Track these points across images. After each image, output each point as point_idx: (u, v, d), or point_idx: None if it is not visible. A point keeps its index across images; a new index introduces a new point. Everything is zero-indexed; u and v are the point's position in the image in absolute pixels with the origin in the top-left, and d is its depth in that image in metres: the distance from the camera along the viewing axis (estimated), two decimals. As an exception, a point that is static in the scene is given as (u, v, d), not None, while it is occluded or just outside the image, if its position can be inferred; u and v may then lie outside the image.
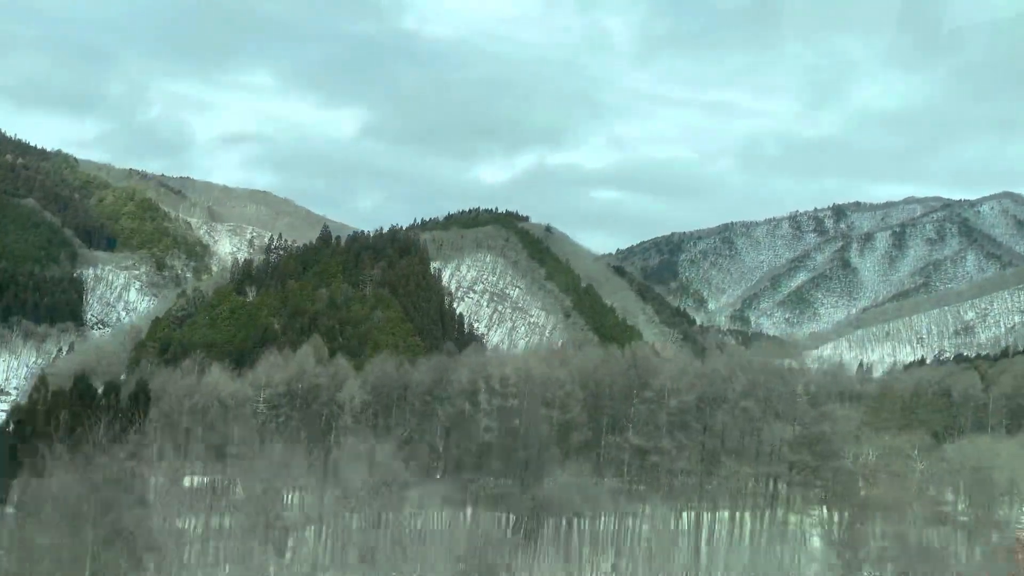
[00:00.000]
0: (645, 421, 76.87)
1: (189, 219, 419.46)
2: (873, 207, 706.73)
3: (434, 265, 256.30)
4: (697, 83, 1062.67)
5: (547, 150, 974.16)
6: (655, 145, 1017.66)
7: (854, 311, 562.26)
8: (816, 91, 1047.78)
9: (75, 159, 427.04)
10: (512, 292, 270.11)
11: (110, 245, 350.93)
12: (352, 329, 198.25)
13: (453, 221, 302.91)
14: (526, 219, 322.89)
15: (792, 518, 68.49)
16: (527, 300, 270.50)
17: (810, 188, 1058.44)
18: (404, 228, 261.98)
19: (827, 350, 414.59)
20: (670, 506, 69.00)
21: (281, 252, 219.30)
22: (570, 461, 70.46)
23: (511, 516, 68.49)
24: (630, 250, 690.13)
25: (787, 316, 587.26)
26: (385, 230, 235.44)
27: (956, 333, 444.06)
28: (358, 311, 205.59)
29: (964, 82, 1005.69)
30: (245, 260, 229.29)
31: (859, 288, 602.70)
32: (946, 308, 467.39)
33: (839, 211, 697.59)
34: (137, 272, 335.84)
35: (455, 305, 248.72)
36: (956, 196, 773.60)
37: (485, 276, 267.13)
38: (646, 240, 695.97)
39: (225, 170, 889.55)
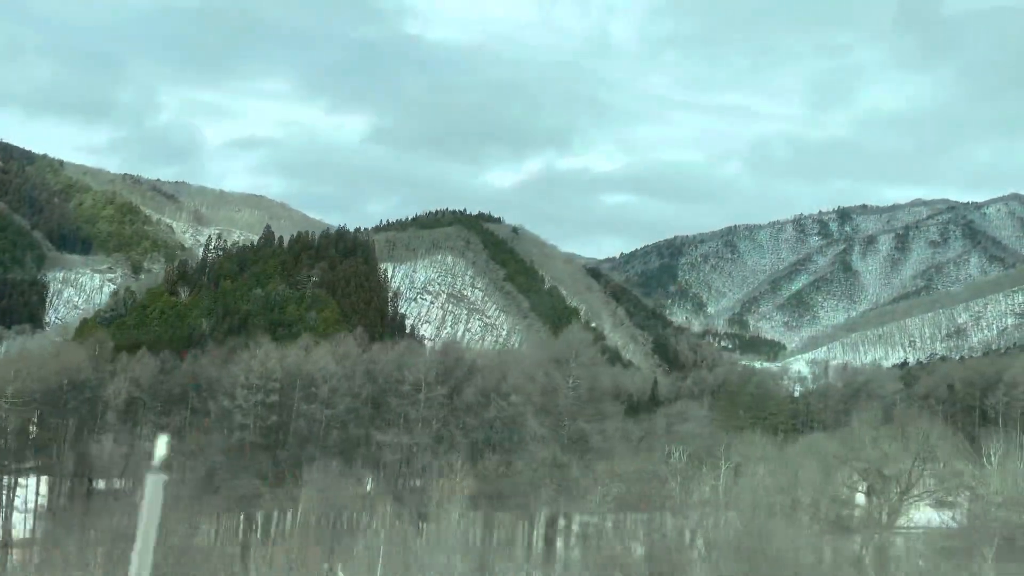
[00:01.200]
0: (402, 417, 74.58)
1: (173, 223, 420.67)
2: (879, 210, 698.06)
3: (387, 266, 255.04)
4: (702, 86, 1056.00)
5: (555, 154, 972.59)
6: (664, 148, 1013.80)
7: (854, 314, 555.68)
8: (823, 93, 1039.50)
9: (60, 163, 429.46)
10: (471, 293, 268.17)
11: (85, 248, 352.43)
12: (285, 330, 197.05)
13: (418, 223, 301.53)
14: (497, 220, 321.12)
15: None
16: (485, 301, 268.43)
17: (819, 191, 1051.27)
18: (364, 229, 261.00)
19: (820, 353, 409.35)
20: (408, 506, 66.41)
21: (219, 252, 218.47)
22: (328, 460, 68.15)
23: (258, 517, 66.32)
24: (633, 254, 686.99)
25: (785, 319, 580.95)
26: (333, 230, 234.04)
27: (948, 336, 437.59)
28: (293, 311, 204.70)
29: (971, 81, 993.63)
30: (180, 261, 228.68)
31: (860, 291, 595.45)
32: (941, 311, 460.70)
33: (844, 214, 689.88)
34: (112, 275, 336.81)
35: (405, 306, 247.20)
36: (965, 199, 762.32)
37: (442, 277, 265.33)
38: (650, 244, 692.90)
39: (236, 176, 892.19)
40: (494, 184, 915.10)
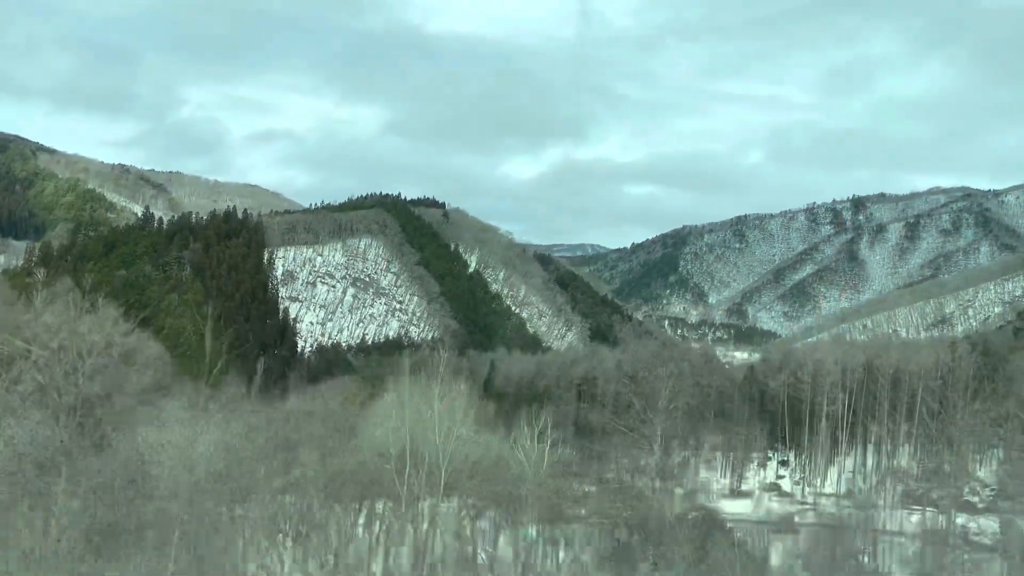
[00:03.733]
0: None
1: (139, 211, 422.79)
2: (896, 198, 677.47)
3: (289, 250, 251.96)
4: (719, 74, 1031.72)
5: (573, 145, 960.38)
6: (682, 138, 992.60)
7: (856, 304, 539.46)
8: (839, 79, 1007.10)
9: (33, 151, 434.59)
10: (382, 277, 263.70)
11: (39, 234, 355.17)
12: (143, 311, 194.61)
13: (347, 207, 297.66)
14: (430, 203, 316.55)
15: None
16: (397, 286, 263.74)
17: (840, 180, 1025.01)
18: (272, 212, 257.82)
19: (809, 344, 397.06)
20: None
21: (90, 234, 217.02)
22: None
23: None
24: (643, 244, 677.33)
25: (786, 310, 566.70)
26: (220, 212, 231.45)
27: (933, 324, 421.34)
28: (154, 293, 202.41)
29: (993, 65, 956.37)
30: (44, 242, 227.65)
31: (865, 281, 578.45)
32: (931, 300, 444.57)
33: (858, 203, 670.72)
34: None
35: (304, 290, 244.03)
36: (985, 186, 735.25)
37: (351, 261, 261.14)
38: (662, 234, 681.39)
39: (260, 170, 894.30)
40: (513, 175, 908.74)
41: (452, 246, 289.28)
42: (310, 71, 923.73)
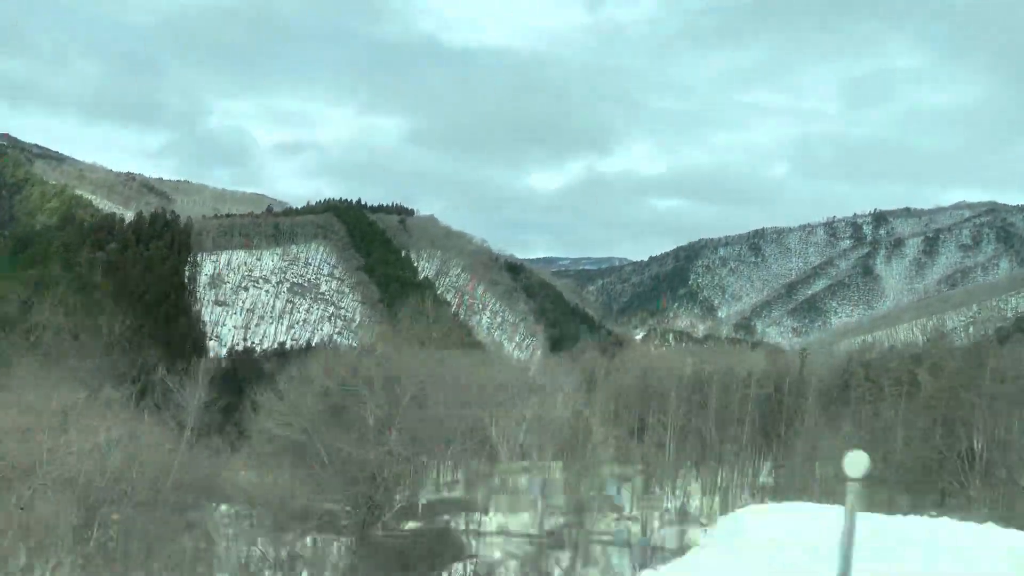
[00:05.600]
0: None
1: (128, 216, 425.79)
2: (920, 213, 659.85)
3: (223, 253, 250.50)
4: (739, 85, 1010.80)
5: (596, 157, 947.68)
6: (705, 150, 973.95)
7: (866, 320, 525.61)
8: (862, 89, 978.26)
9: (27, 157, 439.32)
10: (323, 283, 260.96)
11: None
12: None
13: (303, 211, 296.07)
14: (391, 209, 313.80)
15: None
16: (338, 292, 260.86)
17: (867, 192, 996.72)
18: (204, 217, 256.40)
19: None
20: None
21: (5, 234, 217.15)
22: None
23: None
24: (658, 257, 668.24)
25: (795, 325, 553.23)
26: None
27: (927, 342, 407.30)
28: (62, 295, 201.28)
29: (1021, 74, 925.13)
30: None
31: (879, 297, 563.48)
32: (934, 316, 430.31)
33: (880, 217, 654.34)
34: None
35: (233, 295, 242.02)
36: (1013, 200, 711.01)
37: (290, 266, 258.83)
38: (677, 247, 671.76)
39: (289, 181, 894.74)
40: (537, 187, 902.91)
41: (403, 252, 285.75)
42: (332, 82, 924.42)
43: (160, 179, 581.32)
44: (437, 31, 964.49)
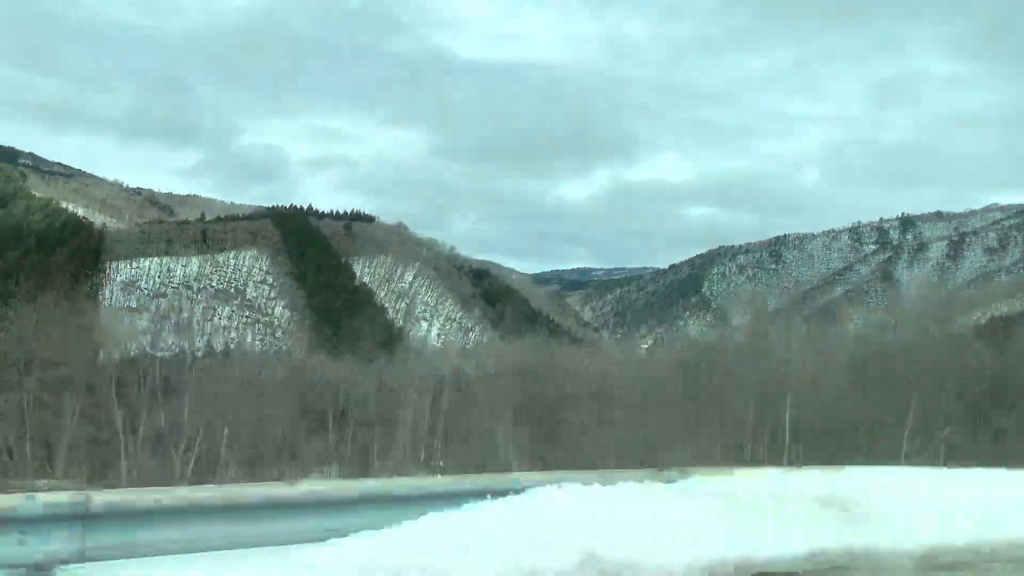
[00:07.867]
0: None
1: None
2: (951, 216, 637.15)
3: (143, 260, 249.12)
4: (762, 90, 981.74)
5: (623, 166, 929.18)
6: (732, 156, 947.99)
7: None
8: (890, 92, 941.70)
9: (22, 172, 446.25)
10: (249, 289, 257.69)
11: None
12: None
13: (241, 218, 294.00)
14: (341, 216, 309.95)
15: None
16: (267, 297, 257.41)
17: (897, 197, 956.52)
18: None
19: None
20: None
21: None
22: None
23: None
24: (677, 265, 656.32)
25: (809, 332, 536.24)
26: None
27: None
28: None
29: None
30: None
31: (896, 302, 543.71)
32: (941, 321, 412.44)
33: (907, 221, 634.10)
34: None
35: (151, 301, 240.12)
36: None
37: (213, 271, 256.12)
38: (696, 255, 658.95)
39: (320, 195, 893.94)
40: (567, 198, 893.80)
41: (343, 259, 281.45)
42: (356, 97, 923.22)
43: (169, 194, 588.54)
44: (453, 46, 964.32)
